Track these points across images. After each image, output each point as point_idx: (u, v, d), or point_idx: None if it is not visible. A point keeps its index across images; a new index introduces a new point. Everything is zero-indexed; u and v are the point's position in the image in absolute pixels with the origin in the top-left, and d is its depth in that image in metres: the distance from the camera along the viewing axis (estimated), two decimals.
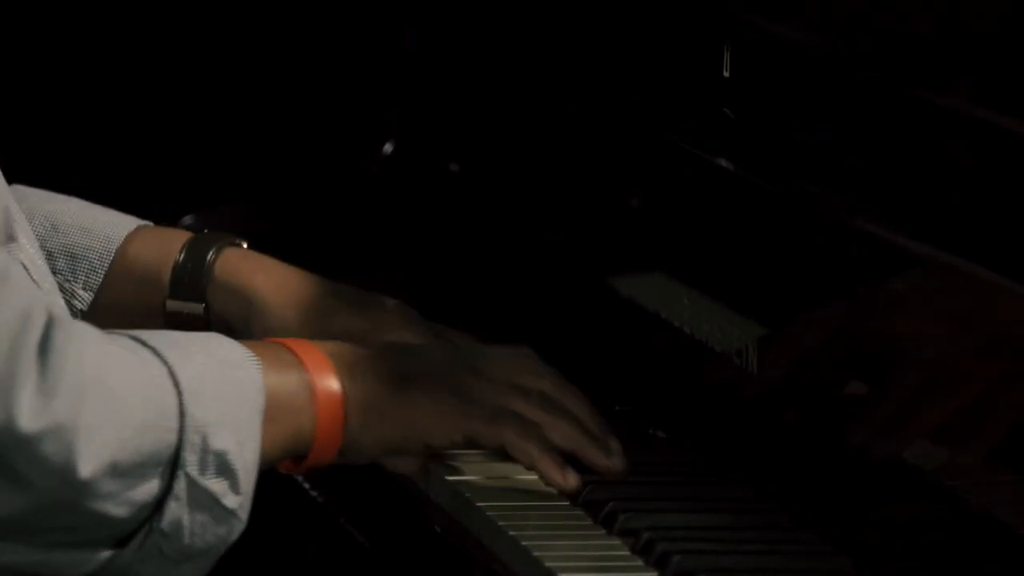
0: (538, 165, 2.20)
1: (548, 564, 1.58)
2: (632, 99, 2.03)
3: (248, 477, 1.58)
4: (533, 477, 1.74)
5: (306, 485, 1.83)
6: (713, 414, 1.83)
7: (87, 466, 1.51)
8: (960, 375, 1.65)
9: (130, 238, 1.97)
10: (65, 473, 1.51)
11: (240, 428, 1.60)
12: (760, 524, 1.65)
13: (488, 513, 1.69)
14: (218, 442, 1.58)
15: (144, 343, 1.59)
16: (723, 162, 1.87)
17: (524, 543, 1.61)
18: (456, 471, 1.77)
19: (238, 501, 1.58)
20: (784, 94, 1.87)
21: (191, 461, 1.56)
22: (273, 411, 1.64)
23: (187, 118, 2.84)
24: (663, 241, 1.99)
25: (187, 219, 2.18)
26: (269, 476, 1.74)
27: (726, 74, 1.88)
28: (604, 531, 1.63)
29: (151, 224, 1.99)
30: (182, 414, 1.56)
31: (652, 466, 1.74)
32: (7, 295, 1.51)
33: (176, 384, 1.56)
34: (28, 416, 1.49)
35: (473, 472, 1.77)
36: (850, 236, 1.73)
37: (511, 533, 1.64)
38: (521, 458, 1.74)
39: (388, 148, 2.33)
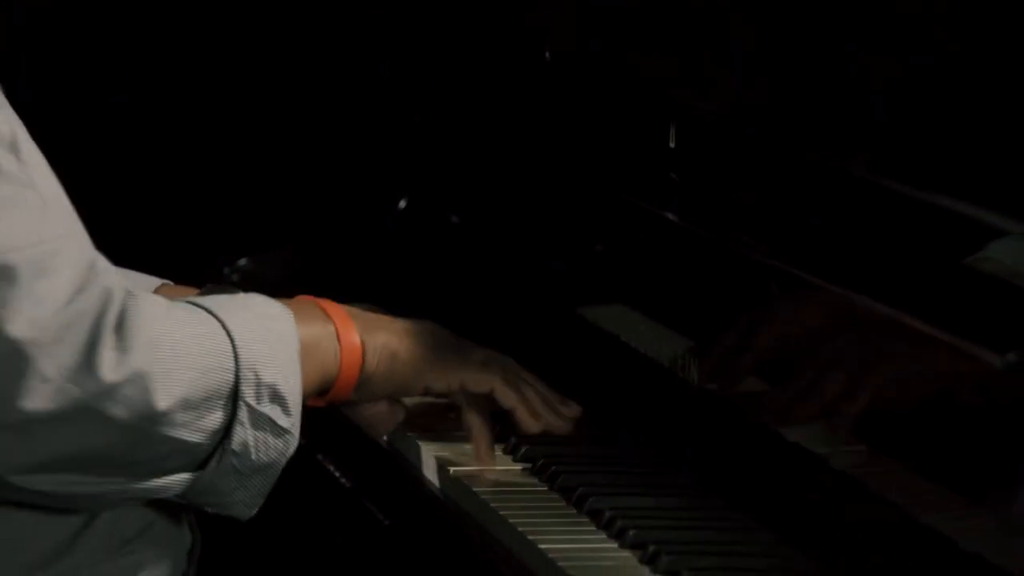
0: (520, 218, 2.21)
1: (530, 537, 1.60)
2: (597, 165, 2.03)
3: (295, 402, 1.62)
4: (517, 467, 1.76)
5: (336, 473, 1.84)
6: (662, 416, 1.84)
7: (162, 402, 1.54)
8: (845, 377, 1.67)
9: (156, 292, 1.97)
10: (145, 410, 1.53)
11: (283, 365, 1.63)
12: (698, 505, 1.68)
13: (482, 496, 1.71)
14: (267, 376, 1.60)
15: (198, 305, 1.63)
16: (669, 215, 1.88)
17: (511, 520, 1.63)
18: (453, 461, 1.79)
19: (290, 421, 1.61)
20: (717, 162, 1.87)
21: (248, 393, 1.59)
22: (304, 354, 1.67)
23: (245, 180, 2.74)
24: (622, 279, 2.01)
25: (242, 261, 2.18)
26: (302, 465, 1.76)
27: (672, 145, 1.88)
28: (575, 511, 1.66)
29: (171, 283, 1.99)
30: (236, 357, 1.59)
31: (614, 459, 1.76)
32: (95, 280, 1.53)
33: (229, 334, 1.60)
34: (109, 369, 1.51)
35: (468, 461, 1.78)
36: (766, 272, 1.74)
37: (501, 512, 1.66)
38: (504, 401, 1.77)
39: (402, 204, 2.34)
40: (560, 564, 1.55)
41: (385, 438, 1.84)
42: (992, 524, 1.49)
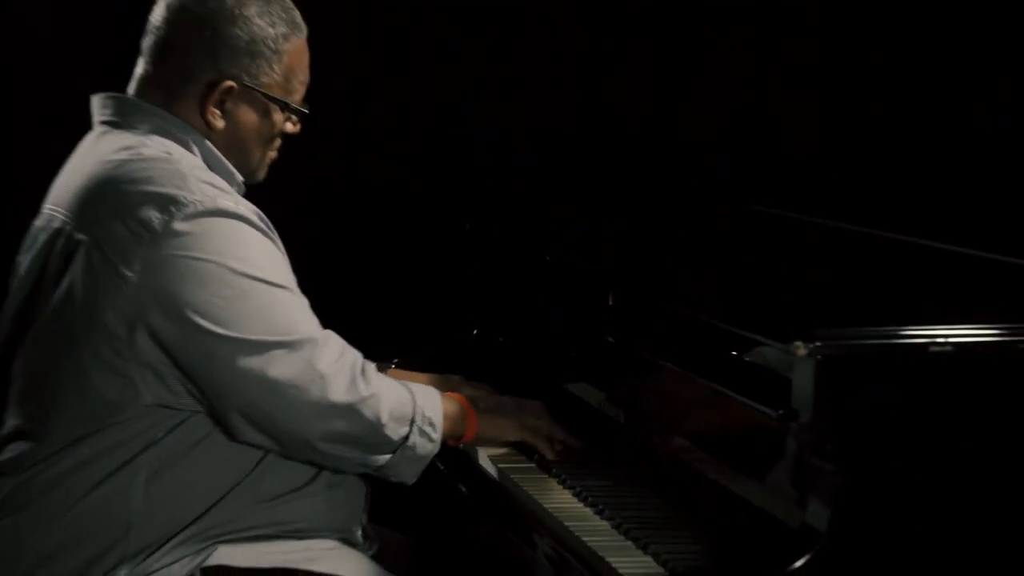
0: (534, 339, 2.12)
1: (537, 498, 1.69)
2: (571, 312, 1.97)
3: (439, 428, 1.64)
4: (532, 464, 1.78)
5: (439, 465, 1.78)
6: (603, 439, 1.81)
7: (383, 414, 1.58)
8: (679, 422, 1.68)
9: None
10: (378, 414, 1.58)
11: (435, 410, 1.65)
12: (622, 484, 1.71)
13: (513, 478, 1.76)
14: (428, 412, 1.63)
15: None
16: (608, 338, 1.84)
17: (528, 491, 1.72)
18: (497, 459, 1.81)
19: (436, 436, 1.64)
20: (630, 312, 1.82)
21: (418, 419, 1.62)
22: (447, 416, 1.68)
23: (396, 319, 2.54)
24: (585, 369, 1.93)
25: (396, 360, 2.08)
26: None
27: (610, 303, 1.85)
28: (561, 487, 1.73)
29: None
30: (414, 401, 1.63)
31: (580, 460, 1.79)
32: (348, 350, 1.59)
33: (410, 391, 1.64)
34: (363, 389, 1.57)
35: (505, 459, 1.80)
36: (654, 366, 1.72)
37: (523, 487, 1.73)
38: (541, 451, 1.77)
39: (475, 332, 2.24)
40: (554, 513, 1.65)
41: (461, 445, 1.81)
42: (763, 489, 1.50)
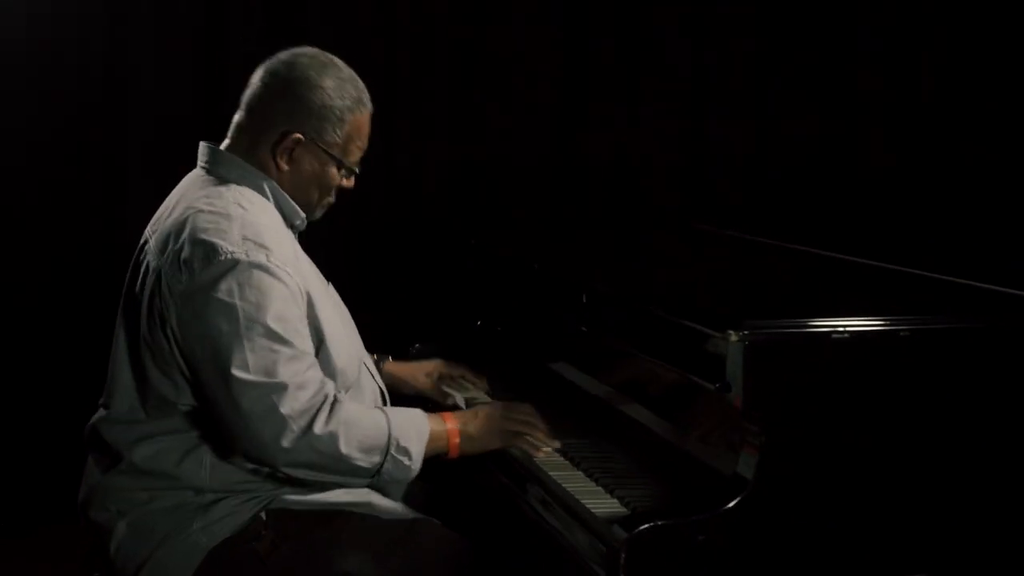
0: (524, 328, 2.07)
1: (546, 469, 1.60)
2: (554, 307, 1.91)
3: (418, 458, 1.52)
4: (544, 454, 1.65)
5: (504, 478, 1.64)
6: (582, 409, 1.77)
7: (346, 447, 1.46)
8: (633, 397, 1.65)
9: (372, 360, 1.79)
10: (336, 449, 1.46)
11: (413, 439, 1.52)
12: (595, 442, 1.66)
13: (535, 460, 1.63)
14: (403, 442, 1.51)
15: (381, 410, 1.55)
16: (583, 328, 1.79)
17: (546, 470, 1.60)
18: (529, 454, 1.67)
19: (411, 463, 1.52)
20: (599, 308, 1.76)
21: (393, 448, 1.50)
22: (431, 437, 1.55)
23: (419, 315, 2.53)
24: (566, 352, 1.88)
25: (416, 345, 2.04)
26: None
27: (584, 301, 1.79)
28: (569, 465, 1.62)
29: (389, 357, 1.86)
30: (390, 432, 1.50)
31: (561, 425, 1.69)
32: (322, 390, 1.46)
33: (388, 420, 1.52)
34: (320, 426, 1.45)
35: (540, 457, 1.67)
36: (615, 349, 1.69)
37: (545, 471, 1.60)
38: (528, 451, 1.63)
39: (478, 323, 2.19)
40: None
41: (514, 451, 1.65)
42: (704, 446, 1.49)
